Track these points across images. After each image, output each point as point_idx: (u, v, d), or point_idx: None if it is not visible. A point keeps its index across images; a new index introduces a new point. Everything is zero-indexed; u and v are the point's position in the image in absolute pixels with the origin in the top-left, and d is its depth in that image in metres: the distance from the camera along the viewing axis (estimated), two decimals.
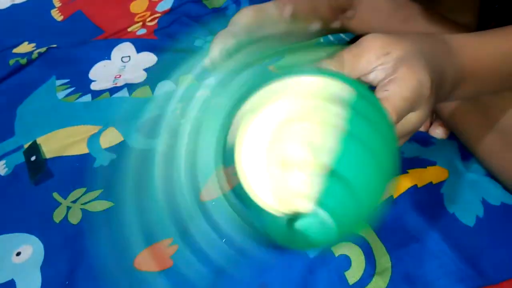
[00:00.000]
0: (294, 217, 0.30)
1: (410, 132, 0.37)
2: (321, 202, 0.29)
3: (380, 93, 0.34)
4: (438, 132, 0.58)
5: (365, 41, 0.38)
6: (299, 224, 0.29)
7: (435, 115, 0.58)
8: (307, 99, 0.31)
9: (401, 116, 0.34)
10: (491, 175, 0.51)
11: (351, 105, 0.31)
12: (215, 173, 0.38)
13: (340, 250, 0.45)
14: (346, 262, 0.45)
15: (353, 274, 0.44)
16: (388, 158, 0.31)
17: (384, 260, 0.45)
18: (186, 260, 0.47)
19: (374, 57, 0.37)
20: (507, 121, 0.49)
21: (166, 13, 0.81)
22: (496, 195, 0.49)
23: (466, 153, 0.53)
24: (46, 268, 0.49)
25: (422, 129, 0.59)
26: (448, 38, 0.40)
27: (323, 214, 0.29)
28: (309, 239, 0.30)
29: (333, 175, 0.29)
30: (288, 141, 0.30)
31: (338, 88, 0.32)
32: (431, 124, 0.58)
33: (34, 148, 0.60)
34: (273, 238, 0.33)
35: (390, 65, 0.36)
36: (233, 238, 0.47)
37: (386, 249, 0.45)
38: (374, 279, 0.44)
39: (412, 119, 0.35)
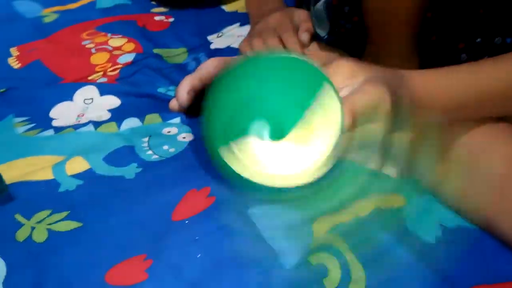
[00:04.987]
0: None
1: (371, 142, 0.42)
2: None
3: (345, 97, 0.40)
4: (391, 171, 0.62)
5: (335, 64, 0.43)
6: None
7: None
8: None
9: (356, 119, 0.39)
10: (442, 202, 0.55)
11: None
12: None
13: (317, 259, 0.47)
14: (323, 270, 0.46)
15: (332, 282, 0.45)
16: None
17: (358, 270, 0.46)
18: (161, 274, 0.46)
19: (341, 79, 0.42)
20: (454, 150, 0.55)
21: (128, 65, 0.83)
22: (452, 219, 0.53)
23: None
24: (8, 284, 0.45)
25: (375, 168, 0.63)
26: (401, 71, 0.48)
27: None
28: None
29: None
30: None
31: None
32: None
33: None
34: None
35: (355, 86, 0.41)
36: (209, 253, 0.48)
37: (358, 260, 0.47)
38: (350, 286, 0.45)
39: (372, 129, 0.41)
